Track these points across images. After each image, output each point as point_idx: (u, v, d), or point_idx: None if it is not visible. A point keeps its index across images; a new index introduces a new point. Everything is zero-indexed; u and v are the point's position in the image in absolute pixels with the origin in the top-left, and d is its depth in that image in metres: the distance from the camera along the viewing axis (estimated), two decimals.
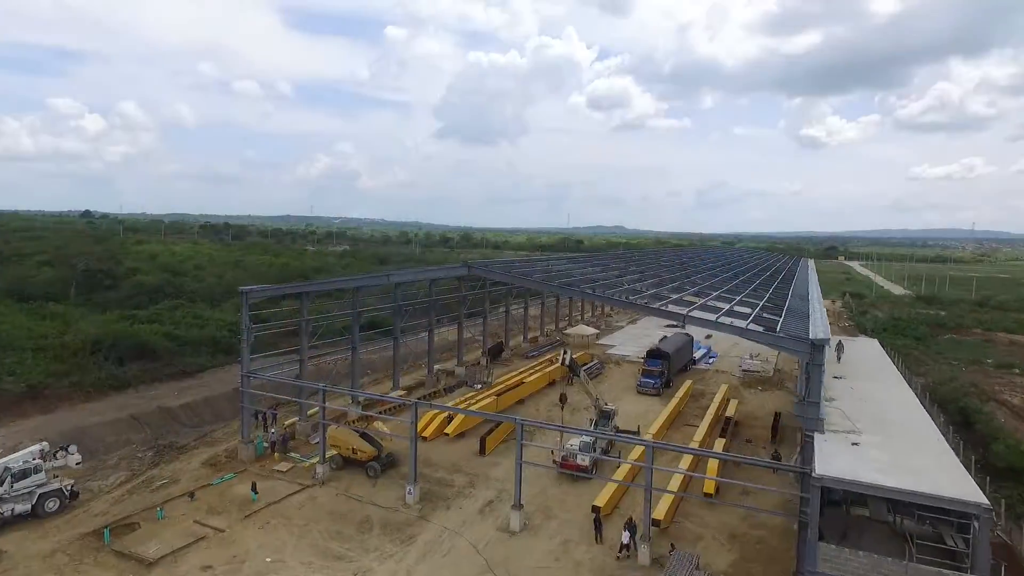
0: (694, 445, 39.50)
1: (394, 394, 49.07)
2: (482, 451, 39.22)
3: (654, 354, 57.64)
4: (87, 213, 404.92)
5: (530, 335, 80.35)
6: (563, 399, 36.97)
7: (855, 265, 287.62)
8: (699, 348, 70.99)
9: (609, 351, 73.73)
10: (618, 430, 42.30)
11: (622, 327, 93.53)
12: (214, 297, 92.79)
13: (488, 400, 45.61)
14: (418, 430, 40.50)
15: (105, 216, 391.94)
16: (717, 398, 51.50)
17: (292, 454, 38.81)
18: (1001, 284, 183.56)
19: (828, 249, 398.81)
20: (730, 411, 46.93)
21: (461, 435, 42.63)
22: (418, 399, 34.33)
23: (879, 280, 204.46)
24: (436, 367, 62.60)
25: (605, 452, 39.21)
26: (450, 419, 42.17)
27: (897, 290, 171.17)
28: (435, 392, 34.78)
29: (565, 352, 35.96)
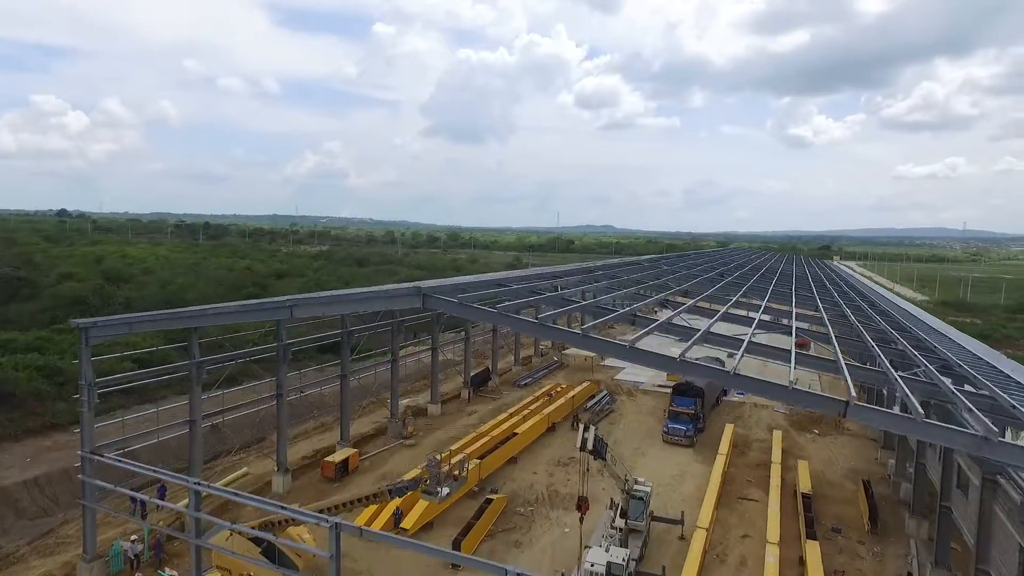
0: (772, 545, 26.74)
1: (338, 454, 36.09)
2: None
3: (684, 390, 44.73)
4: (63, 212, 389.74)
5: (522, 354, 67.56)
6: (583, 506, 24.32)
7: (853, 265, 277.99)
8: None
9: (617, 377, 60.90)
10: (654, 517, 29.67)
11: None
12: (152, 308, 78.73)
13: (470, 469, 32.64)
14: (363, 522, 27.72)
15: (82, 215, 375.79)
16: (775, 453, 38.78)
17: (166, 572, 25.51)
18: (1016, 286, 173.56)
19: (822, 249, 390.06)
20: (802, 481, 34.05)
21: (428, 525, 29.75)
22: (332, 511, 21.12)
23: (885, 282, 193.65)
24: (405, 402, 49.65)
25: (640, 558, 26.46)
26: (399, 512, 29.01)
27: (908, 293, 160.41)
28: (376, 493, 21.57)
29: (586, 429, 23.35)
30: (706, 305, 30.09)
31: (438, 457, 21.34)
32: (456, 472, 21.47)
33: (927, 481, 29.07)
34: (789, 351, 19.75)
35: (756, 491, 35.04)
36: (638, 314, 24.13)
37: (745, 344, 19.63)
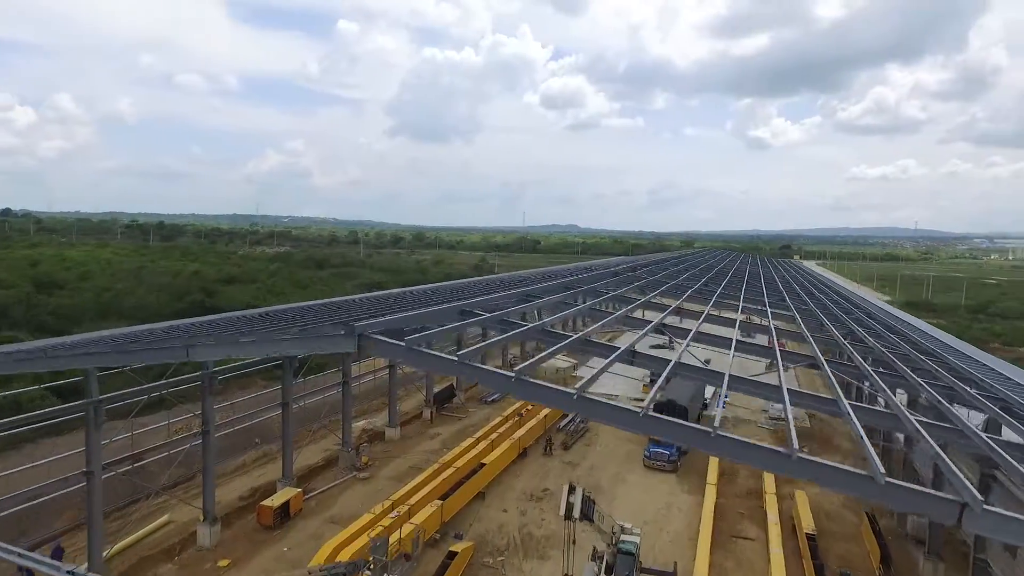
0: None
1: (278, 496, 31.22)
2: None
3: (666, 408, 41.08)
4: (7, 211, 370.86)
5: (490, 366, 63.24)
6: None
7: (813, 265, 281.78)
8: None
9: (590, 391, 57.12)
10: (643, 569, 25.85)
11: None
12: (84, 319, 71.63)
13: (431, 513, 28.36)
14: None
15: (28, 215, 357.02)
16: (768, 481, 35.41)
17: None
18: (972, 285, 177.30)
19: (783, 248, 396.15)
20: (804, 518, 30.60)
21: None
22: None
23: (845, 282, 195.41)
24: (360, 425, 45.12)
25: None
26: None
27: (871, 293, 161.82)
28: None
29: (571, 492, 19.40)
30: (715, 332, 26.59)
31: (385, 538, 17.08)
32: (407, 551, 17.27)
33: None
34: (838, 400, 15.92)
35: (750, 526, 31.66)
36: (637, 349, 20.29)
37: (787, 398, 15.79)
